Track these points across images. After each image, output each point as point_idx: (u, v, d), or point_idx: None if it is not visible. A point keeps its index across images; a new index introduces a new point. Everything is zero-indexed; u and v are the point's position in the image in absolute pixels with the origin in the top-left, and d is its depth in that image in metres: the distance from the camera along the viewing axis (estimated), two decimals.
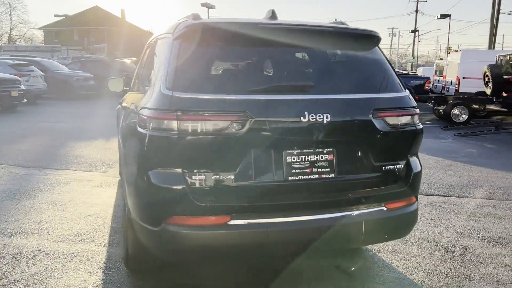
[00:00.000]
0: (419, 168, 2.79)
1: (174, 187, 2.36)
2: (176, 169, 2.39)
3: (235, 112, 2.34)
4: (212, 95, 2.38)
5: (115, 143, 8.83)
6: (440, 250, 3.78)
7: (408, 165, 2.75)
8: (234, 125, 2.33)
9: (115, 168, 6.72)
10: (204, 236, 2.34)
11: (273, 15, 2.88)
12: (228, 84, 2.49)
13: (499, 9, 29.11)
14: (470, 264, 3.51)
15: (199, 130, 2.33)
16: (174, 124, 2.33)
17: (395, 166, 2.71)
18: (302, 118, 2.40)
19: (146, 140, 2.44)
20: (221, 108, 2.35)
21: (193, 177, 2.38)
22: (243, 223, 2.37)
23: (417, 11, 48.15)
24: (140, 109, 2.61)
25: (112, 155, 7.67)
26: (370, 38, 2.77)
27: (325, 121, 2.42)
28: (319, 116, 2.41)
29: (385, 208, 2.63)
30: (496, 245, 3.94)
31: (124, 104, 3.87)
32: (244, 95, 2.41)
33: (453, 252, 3.75)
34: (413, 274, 3.31)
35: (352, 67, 2.69)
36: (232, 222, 2.36)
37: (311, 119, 2.40)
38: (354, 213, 2.53)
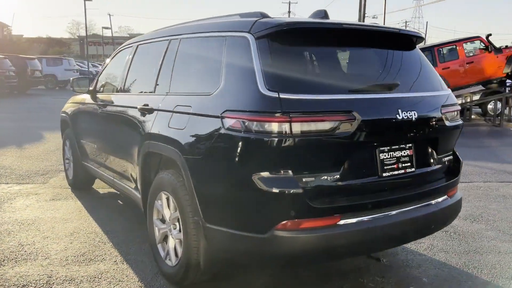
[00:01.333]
0: (461, 158, 3.10)
1: (287, 191, 2.29)
2: (287, 172, 2.32)
3: (344, 112, 2.35)
4: (319, 95, 2.35)
5: (34, 149, 7.89)
6: None
7: (455, 156, 3.04)
8: (343, 125, 2.34)
9: (56, 177, 6.05)
10: (316, 238, 2.31)
11: (325, 15, 2.93)
12: (329, 84, 2.47)
13: (364, 12, 32.26)
14: (469, 240, 3.97)
15: (310, 132, 2.28)
16: (286, 127, 2.25)
17: (449, 157, 2.98)
18: (397, 115, 2.50)
19: (249, 144, 2.32)
20: (330, 108, 2.34)
21: (304, 179, 2.33)
22: (353, 221, 2.39)
23: (289, 11, 50.97)
24: (224, 112, 2.45)
25: (40, 163, 6.87)
26: (418, 39, 2.98)
27: (413, 118, 2.56)
28: (410, 113, 2.54)
29: (446, 196, 2.87)
30: (473, 222, 4.50)
31: (134, 108, 3.47)
32: (348, 95, 2.44)
33: (447, 231, 4.19)
34: (435, 254, 3.64)
35: (414, 66, 2.87)
36: (342, 221, 2.37)
37: (403, 117, 2.52)
38: (432, 202, 2.73)
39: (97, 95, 4.56)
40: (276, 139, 2.26)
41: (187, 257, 2.77)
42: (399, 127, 2.54)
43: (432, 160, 2.83)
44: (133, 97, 3.77)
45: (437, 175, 2.87)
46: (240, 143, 2.36)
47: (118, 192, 4.45)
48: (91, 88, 4.72)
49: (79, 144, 5.06)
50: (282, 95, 2.28)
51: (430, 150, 2.82)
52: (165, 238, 3.18)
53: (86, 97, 4.83)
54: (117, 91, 4.10)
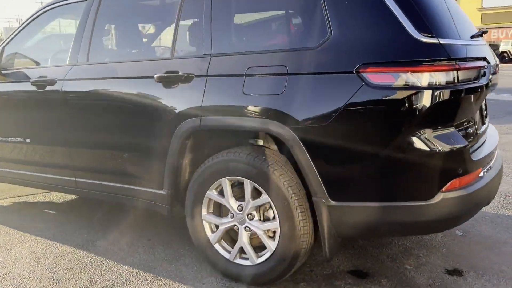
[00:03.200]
0: None
1: (455, 147, 2.06)
2: (450, 127, 2.10)
3: (483, 59, 2.25)
4: (464, 41, 2.18)
5: None
6: None
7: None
8: (482, 72, 2.22)
9: None
10: (474, 193, 2.15)
11: None
12: (457, 29, 2.27)
13: None
14: None
15: (465, 81, 2.10)
16: (453, 76, 2.02)
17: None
18: (491, 63, 2.45)
19: (408, 100, 2.00)
20: (475, 54, 2.20)
21: (461, 132, 2.15)
22: (486, 172, 2.33)
23: None
24: (361, 66, 2.05)
25: None
26: None
27: (494, 66, 2.57)
28: (492, 61, 2.54)
29: None
30: None
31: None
32: (471, 41, 2.32)
33: None
34: None
35: None
36: (482, 173, 2.29)
37: (492, 65, 2.49)
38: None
39: (15, 72, 3.34)
40: (442, 91, 2.02)
41: (294, 247, 2.30)
42: (489, 75, 2.54)
43: (483, 118, 2.86)
44: (119, 67, 2.86)
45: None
46: (396, 100, 2.02)
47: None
48: None
49: None
50: (442, 41, 2.04)
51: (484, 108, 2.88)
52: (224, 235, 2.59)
53: None
54: (73, 64, 3.05)
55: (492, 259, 2.81)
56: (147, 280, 2.61)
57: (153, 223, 3.46)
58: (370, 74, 2.05)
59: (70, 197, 4.19)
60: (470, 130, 2.25)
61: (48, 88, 3.09)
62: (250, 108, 2.31)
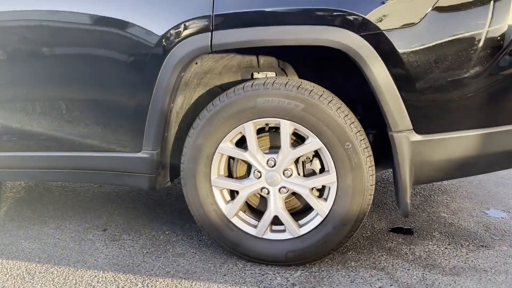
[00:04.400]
0: None
1: None
2: None
3: None
4: None
5: None
6: None
7: None
8: None
9: None
10: None
11: None
12: None
13: None
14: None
15: None
16: None
17: None
18: None
19: None
20: None
21: None
22: None
23: None
24: None
25: None
26: None
27: None
28: None
29: None
30: None
31: None
32: None
33: None
34: None
35: None
36: None
37: None
38: None
39: None
40: None
41: (359, 203, 1.69)
42: None
43: None
44: None
45: None
46: None
47: None
48: None
49: None
50: None
51: None
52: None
53: None
54: None
55: None
56: (137, 285, 1.75)
57: (97, 207, 2.52)
58: None
59: None
60: None
61: None
62: (296, 11, 1.59)
